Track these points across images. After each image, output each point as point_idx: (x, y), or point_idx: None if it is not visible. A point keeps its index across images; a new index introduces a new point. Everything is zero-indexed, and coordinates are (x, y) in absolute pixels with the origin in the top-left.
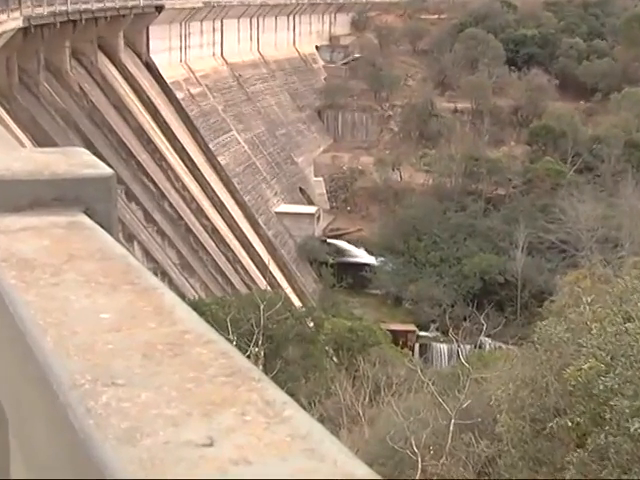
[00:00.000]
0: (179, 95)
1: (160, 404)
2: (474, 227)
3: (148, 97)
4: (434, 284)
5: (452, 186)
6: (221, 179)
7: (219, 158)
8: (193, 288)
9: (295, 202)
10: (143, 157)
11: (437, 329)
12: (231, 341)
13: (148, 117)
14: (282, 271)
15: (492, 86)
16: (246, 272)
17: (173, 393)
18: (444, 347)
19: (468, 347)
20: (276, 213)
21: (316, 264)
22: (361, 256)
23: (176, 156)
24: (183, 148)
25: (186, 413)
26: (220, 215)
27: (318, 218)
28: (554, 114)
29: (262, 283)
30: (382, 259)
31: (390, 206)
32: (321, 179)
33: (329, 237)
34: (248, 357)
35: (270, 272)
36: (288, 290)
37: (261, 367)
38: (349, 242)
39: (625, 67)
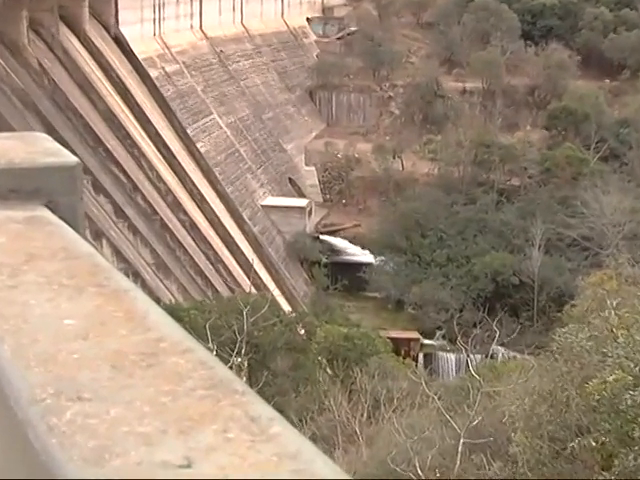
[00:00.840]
0: (153, 73)
1: (132, 421)
2: (485, 222)
3: (117, 75)
4: (440, 286)
5: (460, 176)
6: (200, 169)
7: (198, 145)
8: (169, 291)
9: (284, 194)
10: (112, 144)
11: (443, 337)
12: (211, 350)
13: (117, 98)
14: (269, 272)
15: (506, 63)
16: (229, 273)
17: (146, 408)
18: (451, 357)
19: (478, 357)
20: (262, 207)
21: (307, 264)
22: (358, 255)
23: (150, 142)
24: (157, 133)
25: (161, 430)
26: (199, 209)
27: (310, 212)
28: (576, 94)
29: (246, 285)
30: (382, 258)
31: (391, 199)
32: (313, 168)
33: (322, 233)
34: (230, 368)
35: (255, 273)
36: (276, 293)
37: (245, 379)
38: (345, 239)
39: None
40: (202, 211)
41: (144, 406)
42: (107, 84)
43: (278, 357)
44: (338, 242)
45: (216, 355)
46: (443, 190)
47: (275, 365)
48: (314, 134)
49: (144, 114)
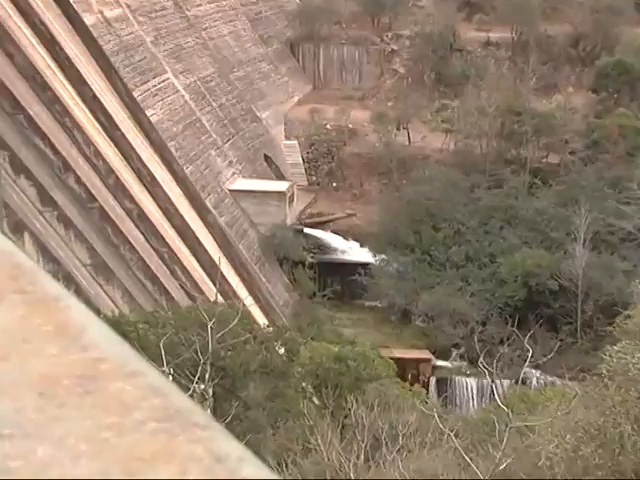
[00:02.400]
0: (88, 20)
1: (65, 462)
2: (514, 211)
3: (41, 21)
4: (457, 293)
5: (483, 152)
6: (151, 143)
7: (148, 112)
8: (111, 299)
9: (258, 176)
10: (35, 109)
11: (462, 357)
12: (166, 374)
13: (42, 51)
14: (240, 275)
15: (542, 6)
16: (188, 276)
17: (83, 446)
18: (472, 382)
19: (506, 382)
20: (231, 192)
21: (288, 264)
22: (353, 253)
23: (85, 109)
24: (95, 97)
25: (102, 473)
26: (150, 194)
27: (291, 198)
28: (632, 46)
29: (211, 292)
30: (383, 257)
31: (394, 181)
32: (295, 143)
33: (307, 226)
34: (191, 396)
35: (222, 276)
36: (248, 302)
37: (209, 410)
38: (336, 233)
39: None
40: (153, 197)
41: (80, 444)
42: (28, 32)
43: (251, 383)
44: (327, 237)
45: (172, 380)
46: (461, 170)
47: (247, 393)
48: (296, 99)
49: (77, 72)
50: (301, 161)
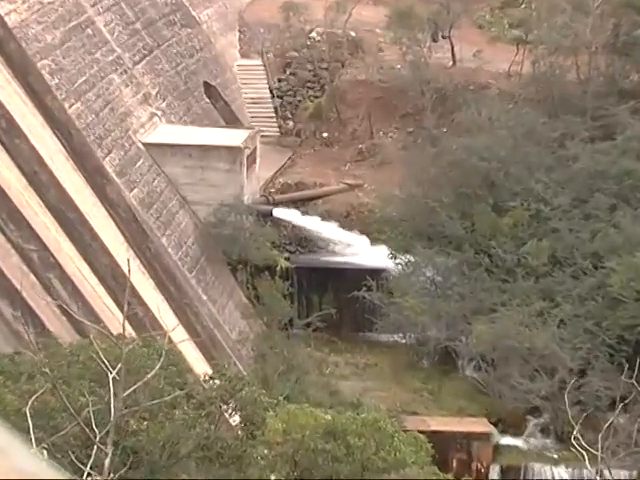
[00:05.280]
0: None
1: None
2: (636, 180)
3: None
4: (536, 320)
5: (581, 78)
6: (6, 60)
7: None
8: None
9: (193, 120)
10: None
11: (544, 430)
12: (39, 452)
13: None
14: (164, 289)
15: None
16: (75, 293)
17: None
18: (563, 473)
19: (624, 474)
20: (147, 147)
21: (247, 272)
22: (358, 252)
23: None
24: None
25: None
26: (6, 151)
27: (252, 159)
28: None
29: (115, 319)
30: (409, 259)
31: (428, 129)
32: (259, 64)
33: (278, 205)
34: None
35: (133, 291)
36: (178, 335)
37: None
38: (327, 218)
39: None
40: (11, 156)
41: None
42: None
43: (182, 475)
44: (314, 225)
45: (47, 463)
46: (543, 109)
47: None
48: None
49: None
50: (268, 95)
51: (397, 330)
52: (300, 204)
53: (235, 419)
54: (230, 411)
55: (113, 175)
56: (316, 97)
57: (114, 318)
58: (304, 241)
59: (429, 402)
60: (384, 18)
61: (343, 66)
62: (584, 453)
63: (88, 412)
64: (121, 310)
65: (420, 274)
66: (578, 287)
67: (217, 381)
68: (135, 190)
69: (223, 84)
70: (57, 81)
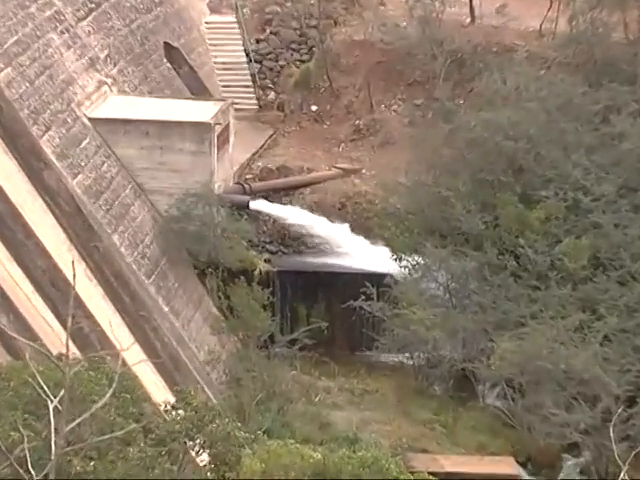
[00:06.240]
0: None
1: None
2: None
3: None
4: (574, 336)
5: (630, 39)
6: None
7: None
8: None
9: (154, 90)
10: None
11: (582, 472)
12: None
13: None
14: (116, 299)
15: None
16: (3, 299)
17: None
18: None
19: None
20: (94, 122)
21: (218, 276)
22: (354, 254)
23: None
24: None
25: None
26: None
27: (224, 138)
28: None
29: (56, 336)
30: (417, 261)
31: (440, 100)
32: (232, 20)
33: (256, 194)
34: None
35: (79, 301)
36: (133, 354)
37: None
38: (316, 210)
39: None
40: None
41: None
42: None
43: None
44: (300, 218)
45: None
46: (581, 76)
47: None
48: None
49: None
50: (244, 59)
51: (403, 349)
52: (283, 194)
53: (203, 458)
54: (197, 448)
55: (52, 158)
56: (303, 62)
57: (54, 334)
58: (288, 239)
59: (442, 437)
60: None
61: (336, 24)
62: None
63: (22, 450)
64: (63, 325)
65: (431, 279)
66: (625, 295)
67: (181, 411)
68: (80, 176)
69: (188, 46)
70: None
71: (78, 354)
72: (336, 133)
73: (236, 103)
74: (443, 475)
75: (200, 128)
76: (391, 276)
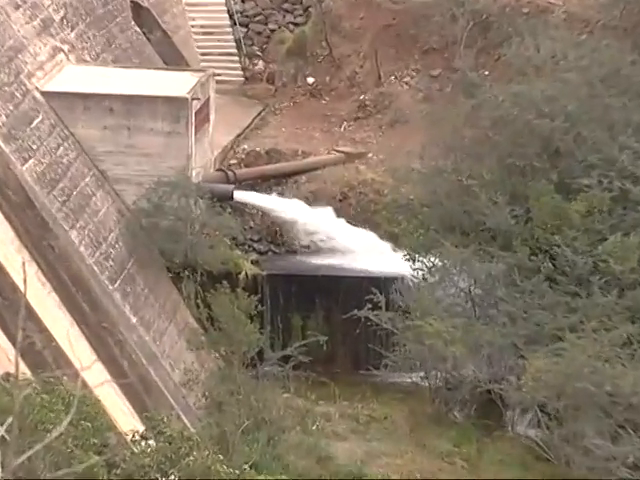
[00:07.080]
0: None
1: None
2: None
3: None
4: (619, 352)
5: None
6: None
7: None
8: None
9: (116, 59)
10: None
11: None
12: None
13: None
14: (69, 304)
15: None
16: None
17: None
18: None
19: None
20: (48, 96)
21: (195, 281)
22: (359, 253)
23: None
24: None
25: None
26: None
27: (203, 117)
28: None
29: (4, 353)
30: (432, 263)
31: (462, 70)
32: None
33: (242, 183)
34: None
35: (30, 311)
36: (95, 374)
37: None
38: (313, 201)
39: None
40: None
41: None
42: None
43: None
44: (293, 212)
45: None
46: (629, 42)
47: None
48: None
49: None
50: (228, 21)
51: (416, 367)
52: (274, 182)
53: None
54: None
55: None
56: (297, 25)
57: (1, 351)
58: (280, 236)
59: (463, 473)
60: None
61: None
62: None
63: None
64: (11, 340)
65: (450, 284)
66: None
67: (152, 442)
68: (31, 162)
69: (160, 6)
70: None
71: (29, 374)
72: (337, 110)
73: (218, 74)
74: None
75: (175, 104)
76: (402, 280)
